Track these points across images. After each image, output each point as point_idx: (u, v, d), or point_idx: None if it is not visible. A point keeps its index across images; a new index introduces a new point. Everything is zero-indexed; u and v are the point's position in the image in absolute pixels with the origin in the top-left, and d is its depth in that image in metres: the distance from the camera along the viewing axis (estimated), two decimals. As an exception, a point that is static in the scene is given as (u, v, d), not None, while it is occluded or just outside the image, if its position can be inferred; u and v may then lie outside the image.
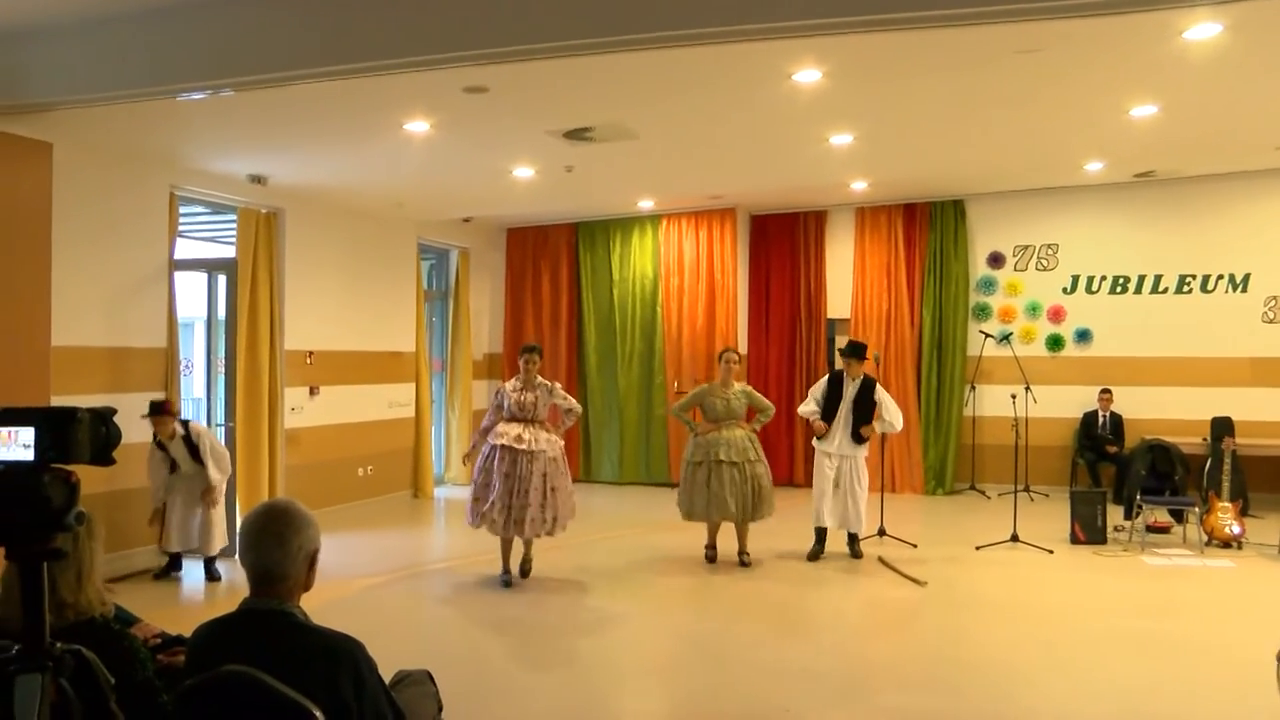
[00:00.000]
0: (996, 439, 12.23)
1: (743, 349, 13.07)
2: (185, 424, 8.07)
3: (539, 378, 7.78)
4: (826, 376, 8.97)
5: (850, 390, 8.71)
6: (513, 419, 7.65)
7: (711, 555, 8.48)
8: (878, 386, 8.79)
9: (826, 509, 8.63)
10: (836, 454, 8.69)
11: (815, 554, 8.68)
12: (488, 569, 8.25)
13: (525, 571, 7.91)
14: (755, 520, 8.33)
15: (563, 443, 7.82)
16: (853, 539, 8.76)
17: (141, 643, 2.87)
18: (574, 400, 7.96)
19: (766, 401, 8.65)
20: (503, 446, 7.52)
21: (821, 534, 8.72)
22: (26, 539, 2.00)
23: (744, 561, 8.37)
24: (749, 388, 8.74)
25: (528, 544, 7.89)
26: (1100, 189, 12.09)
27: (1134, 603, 7.32)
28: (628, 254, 13.66)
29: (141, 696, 2.62)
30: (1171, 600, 7.42)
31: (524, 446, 7.48)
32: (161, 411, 7.92)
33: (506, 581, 7.73)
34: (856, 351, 8.79)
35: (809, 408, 8.82)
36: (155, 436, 7.98)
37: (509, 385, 7.77)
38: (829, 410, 8.71)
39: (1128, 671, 5.71)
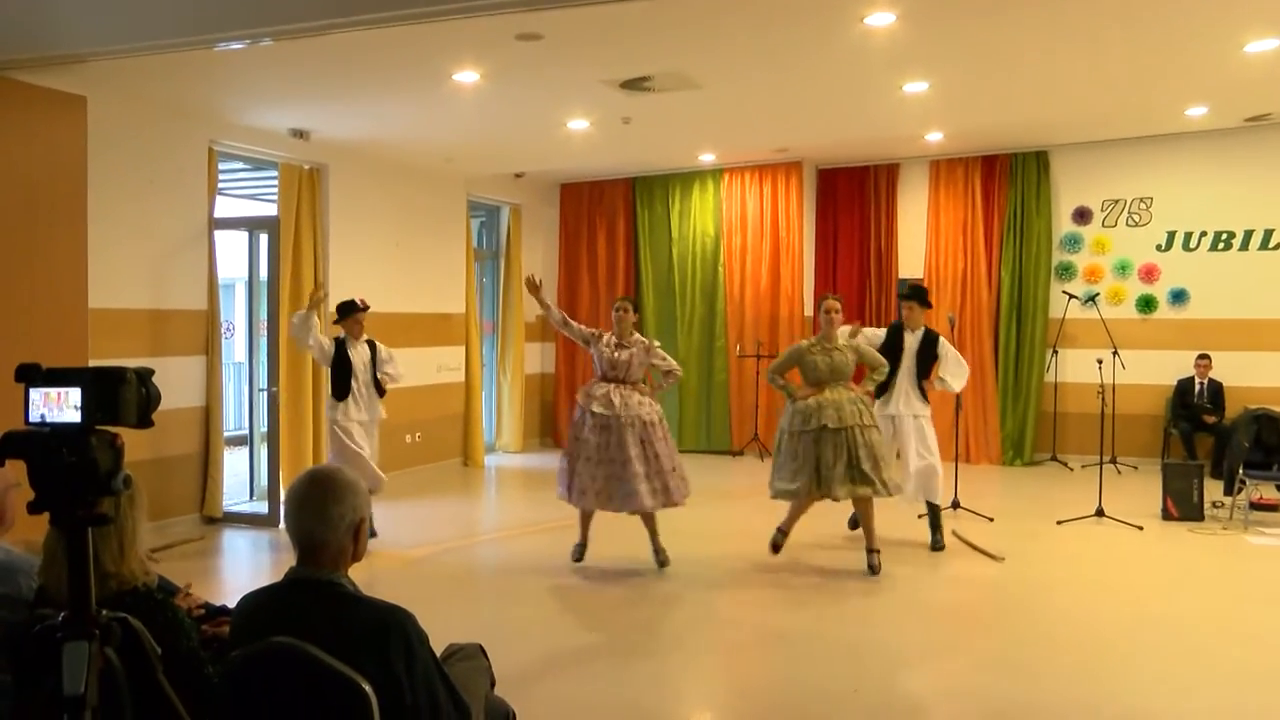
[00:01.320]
0: (1080, 407, 12.08)
1: (808, 310, 12.97)
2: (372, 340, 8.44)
3: (635, 334, 7.39)
4: (886, 328, 8.41)
5: (911, 342, 8.11)
6: (603, 378, 7.29)
7: (780, 542, 7.38)
8: (941, 339, 8.14)
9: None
10: (901, 415, 8.05)
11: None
12: (543, 541, 8.32)
13: (662, 561, 7.40)
14: (879, 496, 7.16)
15: (659, 407, 7.39)
16: (934, 517, 8.06)
17: (186, 613, 2.90)
18: (674, 361, 7.60)
19: (880, 357, 7.66)
20: (592, 413, 7.17)
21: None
22: (73, 504, 2.03)
23: (873, 565, 7.22)
24: (858, 340, 7.70)
25: (651, 528, 7.40)
26: (1203, 136, 11.72)
27: (1234, 586, 7.17)
28: (688, 210, 13.62)
29: (187, 668, 2.64)
30: (1278, 584, 7.27)
31: (614, 411, 7.11)
32: (354, 310, 8.27)
33: (579, 556, 7.46)
34: (919, 295, 8.18)
35: None
36: (339, 340, 8.23)
37: (604, 339, 7.35)
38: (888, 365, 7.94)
39: (1225, 661, 5.58)
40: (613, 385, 7.22)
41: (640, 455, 7.05)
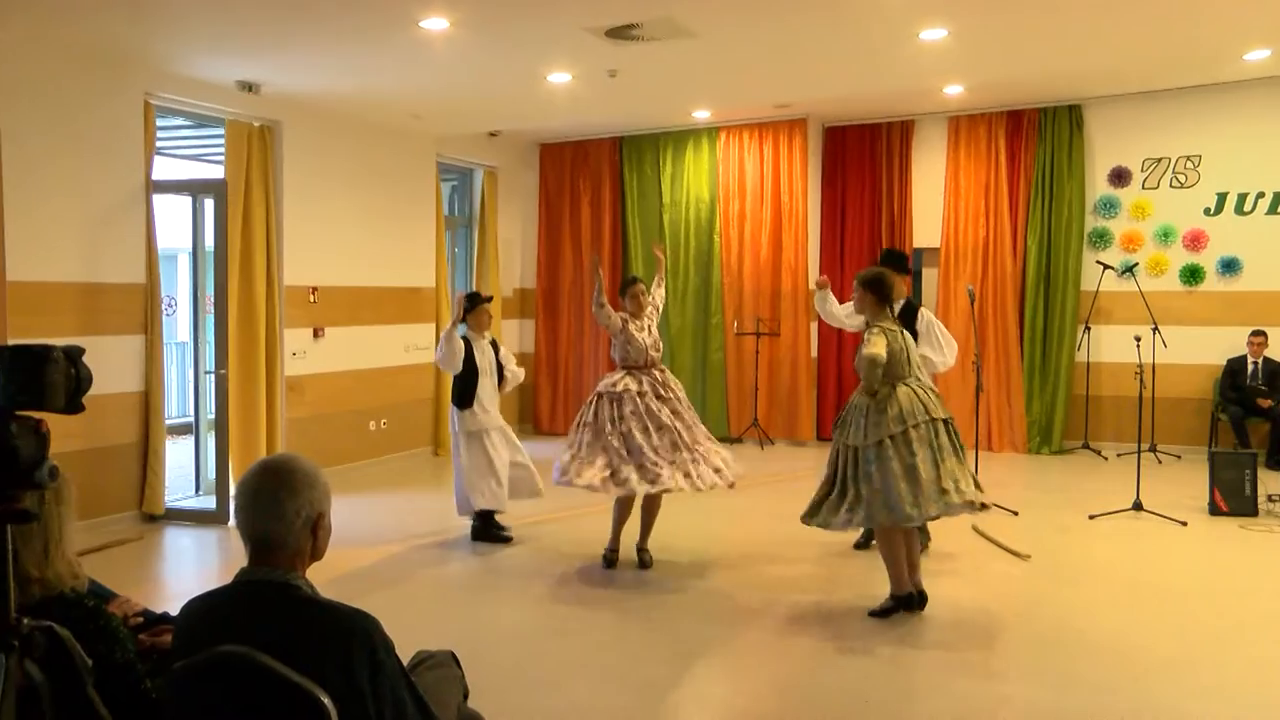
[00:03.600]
0: (1116, 389, 12.09)
1: (812, 285, 12.79)
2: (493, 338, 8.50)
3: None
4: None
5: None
6: (633, 368, 7.40)
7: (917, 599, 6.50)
8: (923, 310, 7.88)
9: None
10: None
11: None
12: (521, 537, 8.31)
13: (646, 562, 7.47)
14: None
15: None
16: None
17: (121, 621, 2.88)
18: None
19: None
20: (635, 392, 7.24)
21: None
22: (-12, 498, 2.00)
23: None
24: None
25: (649, 523, 7.51)
26: (1262, 85, 11.61)
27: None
28: (680, 173, 13.62)
29: (122, 681, 2.63)
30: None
31: (656, 392, 7.25)
32: (480, 301, 8.28)
33: (611, 560, 7.41)
34: (895, 261, 7.90)
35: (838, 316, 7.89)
36: (465, 340, 8.18)
37: (632, 327, 7.45)
38: None
39: None
40: (644, 369, 7.39)
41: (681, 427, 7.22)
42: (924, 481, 6.06)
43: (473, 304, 8.26)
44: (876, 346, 6.15)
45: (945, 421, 6.24)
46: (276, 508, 2.60)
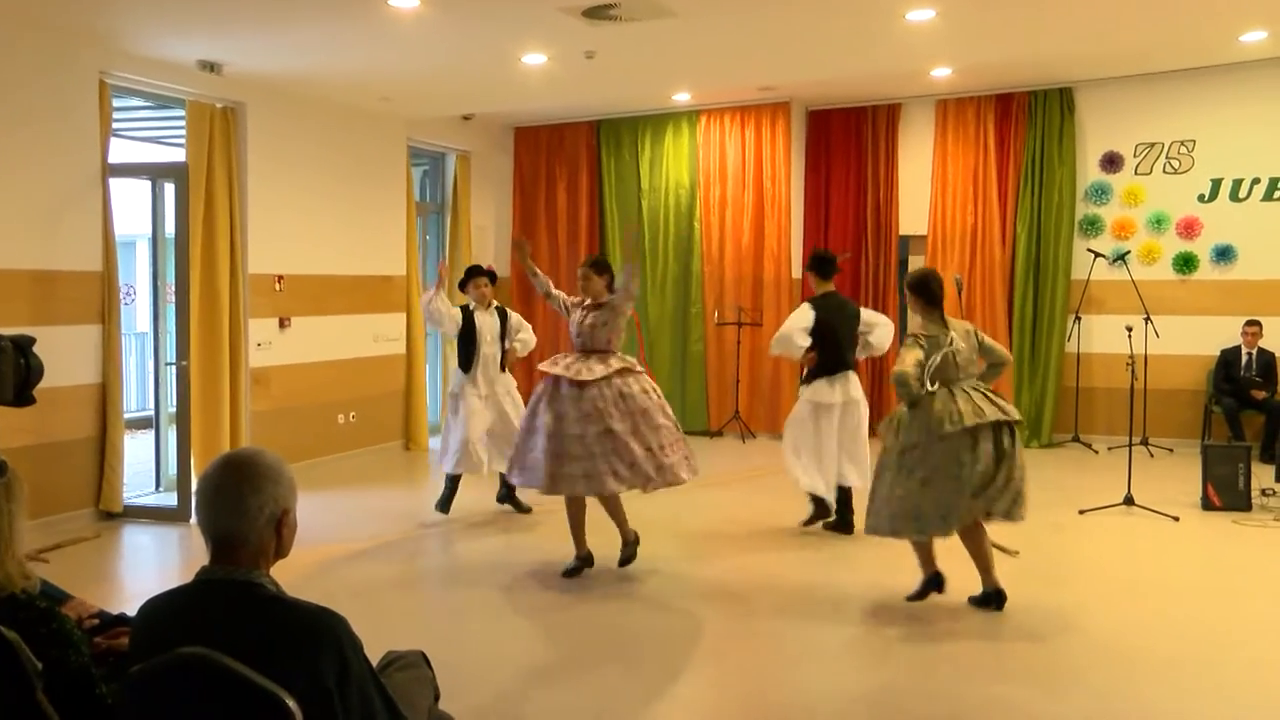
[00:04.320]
0: (1107, 381, 12.11)
1: (796, 273, 13.01)
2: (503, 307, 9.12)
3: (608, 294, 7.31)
4: (808, 302, 8.43)
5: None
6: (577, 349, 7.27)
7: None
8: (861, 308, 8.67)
9: (840, 465, 8.27)
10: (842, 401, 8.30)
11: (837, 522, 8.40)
12: (496, 535, 8.31)
13: (628, 557, 7.33)
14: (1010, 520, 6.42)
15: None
16: (848, 498, 8.35)
17: (75, 623, 2.86)
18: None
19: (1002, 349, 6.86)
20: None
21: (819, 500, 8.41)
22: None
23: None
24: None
25: (614, 511, 7.29)
26: (1259, 67, 11.61)
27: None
28: (659, 158, 13.62)
29: (75, 686, 2.61)
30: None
31: (582, 377, 6.99)
32: (475, 274, 8.95)
33: (576, 569, 7.23)
34: (820, 265, 8.52)
35: (800, 339, 8.24)
36: (466, 308, 8.86)
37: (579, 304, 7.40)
38: (825, 347, 8.26)
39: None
40: (579, 354, 7.20)
41: (614, 430, 6.92)
42: (933, 499, 6.15)
43: (467, 276, 8.97)
44: (903, 363, 6.22)
45: (997, 425, 6.20)
46: (239, 504, 2.58)
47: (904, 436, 6.25)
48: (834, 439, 8.27)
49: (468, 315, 8.80)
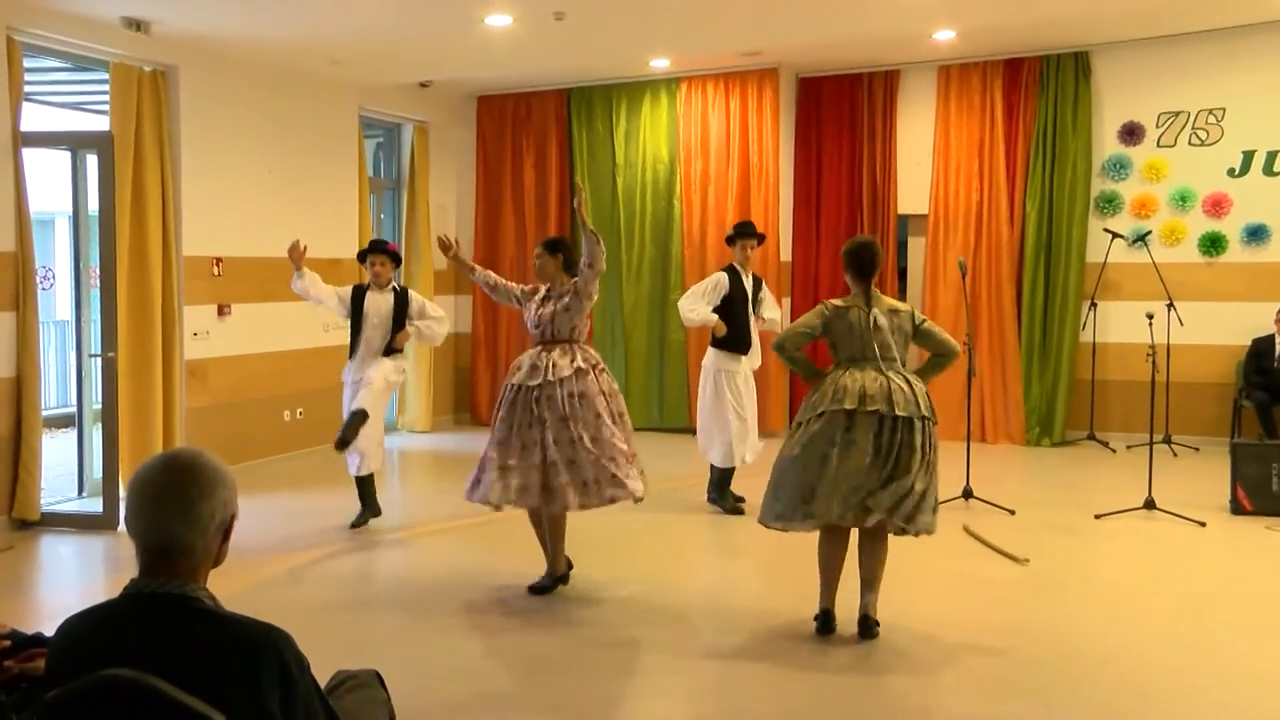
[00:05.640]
0: (1126, 373, 12.10)
1: (785, 254, 13.07)
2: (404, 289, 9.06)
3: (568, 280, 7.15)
4: (722, 274, 9.35)
5: (749, 285, 9.33)
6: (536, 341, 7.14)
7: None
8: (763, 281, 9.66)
9: (746, 442, 9.34)
10: (755, 367, 9.51)
11: (737, 506, 9.26)
12: (456, 543, 8.33)
13: (544, 587, 7.17)
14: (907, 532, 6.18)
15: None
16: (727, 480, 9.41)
17: (-19, 646, 2.83)
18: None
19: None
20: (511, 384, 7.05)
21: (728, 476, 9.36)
22: None
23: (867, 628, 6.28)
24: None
25: (556, 532, 7.16)
26: (1296, 27, 11.71)
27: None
28: (636, 130, 13.61)
29: (-20, 717, 2.61)
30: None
31: (536, 380, 6.91)
32: (382, 250, 8.88)
33: (545, 587, 7.10)
34: (746, 231, 9.42)
35: (701, 310, 9.22)
36: (361, 287, 8.84)
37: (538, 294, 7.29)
38: (732, 317, 9.20)
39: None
40: (540, 349, 7.06)
41: (559, 438, 6.83)
42: (795, 478, 6.08)
43: (365, 252, 8.99)
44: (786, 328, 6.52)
45: (885, 418, 5.96)
46: (189, 510, 2.59)
47: (800, 411, 6.25)
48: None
49: (359, 294, 8.76)
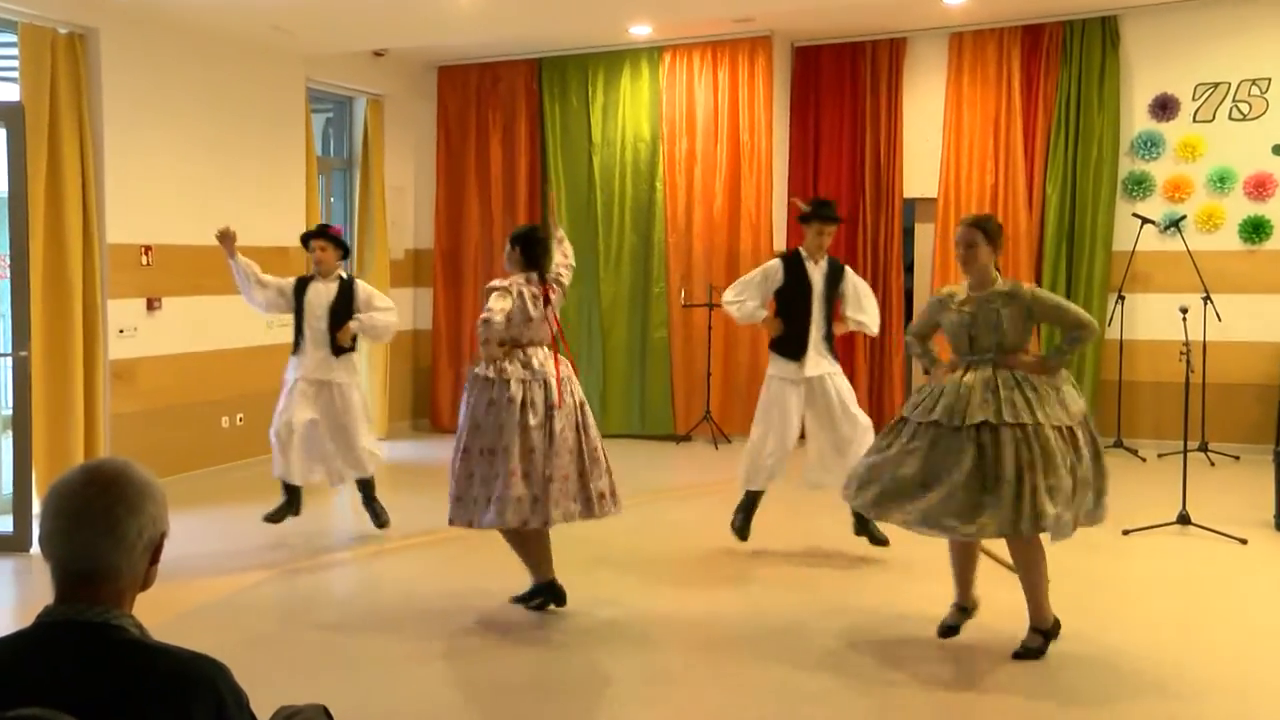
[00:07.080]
0: (1157, 374, 12.09)
1: (778, 243, 13.01)
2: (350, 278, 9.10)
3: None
4: (777, 260, 8.58)
5: (817, 276, 8.35)
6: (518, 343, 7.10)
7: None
8: (848, 270, 8.58)
9: (779, 461, 8.36)
10: (812, 375, 8.34)
11: (744, 527, 8.45)
12: (413, 562, 8.39)
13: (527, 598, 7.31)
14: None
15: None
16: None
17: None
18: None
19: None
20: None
21: (754, 500, 8.46)
22: None
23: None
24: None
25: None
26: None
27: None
28: (614, 104, 13.64)
29: None
30: None
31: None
32: (325, 234, 8.92)
33: (541, 603, 7.20)
34: (824, 213, 8.36)
35: (747, 305, 8.41)
36: (305, 279, 8.89)
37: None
38: (791, 310, 8.35)
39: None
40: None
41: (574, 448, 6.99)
42: None
43: (307, 237, 9.06)
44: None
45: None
46: (114, 528, 2.57)
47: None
48: None
49: (301, 284, 8.83)
